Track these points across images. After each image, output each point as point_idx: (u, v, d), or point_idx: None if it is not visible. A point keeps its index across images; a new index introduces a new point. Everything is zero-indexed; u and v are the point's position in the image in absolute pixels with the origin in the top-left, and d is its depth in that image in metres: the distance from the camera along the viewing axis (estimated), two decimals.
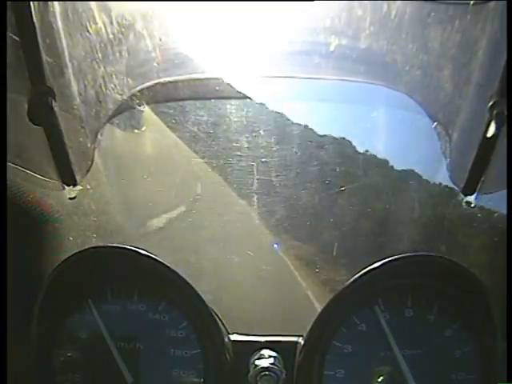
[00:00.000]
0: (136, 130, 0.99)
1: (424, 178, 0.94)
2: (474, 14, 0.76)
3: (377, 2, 0.77)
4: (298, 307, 0.85)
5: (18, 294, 0.78)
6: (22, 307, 0.79)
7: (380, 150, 0.93)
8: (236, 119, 0.94)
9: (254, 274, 0.95)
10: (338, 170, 0.94)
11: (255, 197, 0.95)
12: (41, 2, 0.72)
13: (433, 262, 0.77)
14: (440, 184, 0.92)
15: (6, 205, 0.68)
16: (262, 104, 0.94)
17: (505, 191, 0.76)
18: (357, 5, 0.77)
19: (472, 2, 0.74)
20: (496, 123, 0.74)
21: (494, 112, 0.74)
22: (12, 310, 0.70)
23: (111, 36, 0.82)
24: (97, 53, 0.83)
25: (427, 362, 0.77)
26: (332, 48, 0.81)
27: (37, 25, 0.70)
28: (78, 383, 0.79)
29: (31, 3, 0.69)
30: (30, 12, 0.69)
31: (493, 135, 0.75)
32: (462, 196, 0.85)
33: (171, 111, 0.95)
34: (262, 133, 0.94)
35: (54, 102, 0.76)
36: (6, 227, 0.67)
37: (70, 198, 0.85)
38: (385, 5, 0.76)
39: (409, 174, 0.95)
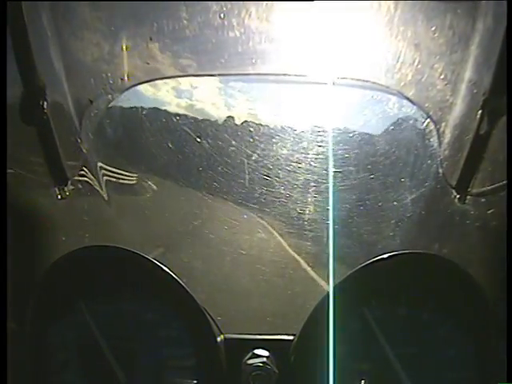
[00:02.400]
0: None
1: (416, 175, 0.94)
2: (466, 10, 0.76)
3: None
4: (291, 306, 0.85)
5: (12, 294, 0.78)
6: (17, 308, 0.79)
7: (371, 147, 0.93)
8: None
9: (248, 273, 0.95)
10: None
11: (248, 194, 0.95)
12: (37, 2, 0.73)
13: (426, 260, 0.76)
14: (432, 182, 0.92)
15: (6, 205, 0.68)
16: None
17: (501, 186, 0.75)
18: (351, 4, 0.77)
19: None
20: (488, 120, 0.74)
21: (487, 109, 0.74)
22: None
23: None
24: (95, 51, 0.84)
25: (421, 361, 0.76)
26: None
27: (30, 24, 0.70)
28: None
29: (22, 3, 0.69)
30: (21, 11, 0.69)
31: (485, 132, 0.75)
32: (455, 193, 0.84)
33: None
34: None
35: (45, 102, 0.77)
36: (6, 227, 0.67)
37: (62, 198, 0.85)
38: (375, 2, 0.76)
39: (401, 172, 0.94)
